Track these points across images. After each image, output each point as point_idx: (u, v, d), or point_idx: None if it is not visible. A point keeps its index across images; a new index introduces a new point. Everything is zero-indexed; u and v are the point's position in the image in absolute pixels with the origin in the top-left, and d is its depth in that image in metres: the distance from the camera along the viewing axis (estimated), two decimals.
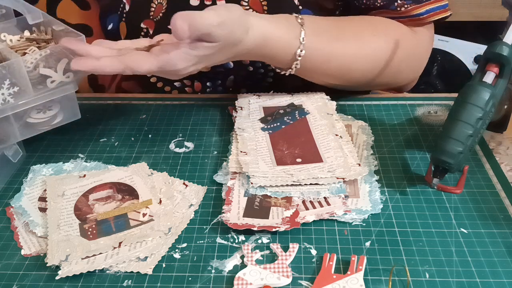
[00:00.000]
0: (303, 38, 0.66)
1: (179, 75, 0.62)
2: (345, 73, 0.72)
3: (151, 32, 0.79)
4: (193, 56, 0.59)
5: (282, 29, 0.66)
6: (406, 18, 0.75)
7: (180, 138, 0.70)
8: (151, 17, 0.78)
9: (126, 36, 0.80)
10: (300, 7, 0.75)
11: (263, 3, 0.75)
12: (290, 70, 0.69)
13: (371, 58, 0.72)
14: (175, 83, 0.83)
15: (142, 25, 0.79)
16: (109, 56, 0.58)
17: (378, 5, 0.74)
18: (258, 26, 0.63)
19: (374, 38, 0.72)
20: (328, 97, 0.74)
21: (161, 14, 0.78)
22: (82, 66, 0.57)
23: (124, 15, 0.79)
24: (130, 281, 0.50)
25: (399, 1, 0.73)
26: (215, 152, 0.67)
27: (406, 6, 0.73)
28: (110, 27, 0.81)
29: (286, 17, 0.68)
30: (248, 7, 0.74)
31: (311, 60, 0.69)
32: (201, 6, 0.76)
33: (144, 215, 0.56)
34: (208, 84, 0.82)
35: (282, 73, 0.71)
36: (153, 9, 0.78)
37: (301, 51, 0.67)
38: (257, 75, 0.81)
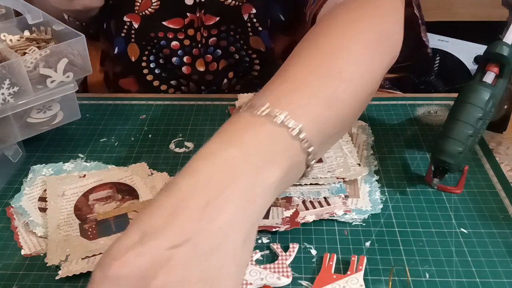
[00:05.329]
0: (311, 162, 0.47)
1: None
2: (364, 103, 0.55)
3: (135, 26, 0.79)
4: None
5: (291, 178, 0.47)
6: None
7: (180, 138, 0.70)
8: (136, 11, 0.79)
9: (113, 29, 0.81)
10: None
11: None
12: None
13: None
14: (171, 82, 0.84)
15: (126, 19, 0.80)
16: None
17: None
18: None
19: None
20: None
21: (151, 10, 0.78)
22: None
23: (108, 8, 0.80)
24: None
25: None
26: None
27: None
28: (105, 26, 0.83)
29: (292, 153, 0.44)
30: None
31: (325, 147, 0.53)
32: (194, 6, 0.77)
33: None
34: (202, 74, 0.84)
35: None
36: (138, 3, 0.78)
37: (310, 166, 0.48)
38: (243, 63, 0.82)
